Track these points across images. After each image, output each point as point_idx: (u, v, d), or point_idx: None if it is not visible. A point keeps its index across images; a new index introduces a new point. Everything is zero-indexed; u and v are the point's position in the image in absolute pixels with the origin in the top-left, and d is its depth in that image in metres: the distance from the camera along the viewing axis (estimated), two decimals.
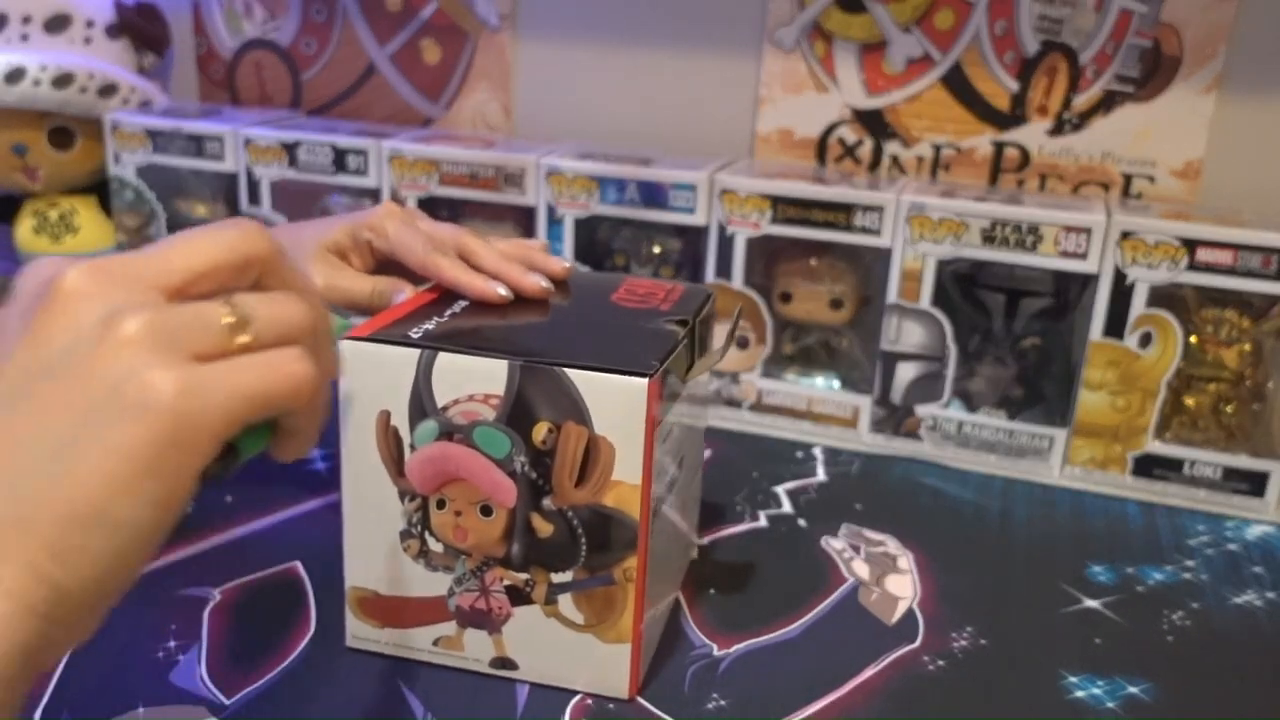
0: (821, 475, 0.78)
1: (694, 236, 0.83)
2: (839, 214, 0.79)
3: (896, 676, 0.56)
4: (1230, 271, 0.72)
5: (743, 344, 0.84)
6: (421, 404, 0.49)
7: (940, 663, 0.57)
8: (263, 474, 0.73)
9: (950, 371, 0.80)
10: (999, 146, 0.88)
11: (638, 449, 0.48)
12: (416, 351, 0.49)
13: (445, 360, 0.49)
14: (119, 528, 0.30)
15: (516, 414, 0.49)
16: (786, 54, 0.90)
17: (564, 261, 0.59)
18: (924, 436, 0.82)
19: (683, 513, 0.59)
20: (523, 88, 0.99)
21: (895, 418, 0.82)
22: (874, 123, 0.90)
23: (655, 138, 0.95)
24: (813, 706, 0.53)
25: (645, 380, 0.47)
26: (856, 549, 0.68)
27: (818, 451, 0.82)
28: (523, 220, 0.87)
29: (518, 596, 0.52)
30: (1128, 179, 0.86)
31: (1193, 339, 0.76)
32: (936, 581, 0.65)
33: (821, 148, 0.92)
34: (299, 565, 0.62)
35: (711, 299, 0.59)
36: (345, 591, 0.54)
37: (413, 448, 0.50)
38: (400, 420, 0.50)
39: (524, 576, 0.52)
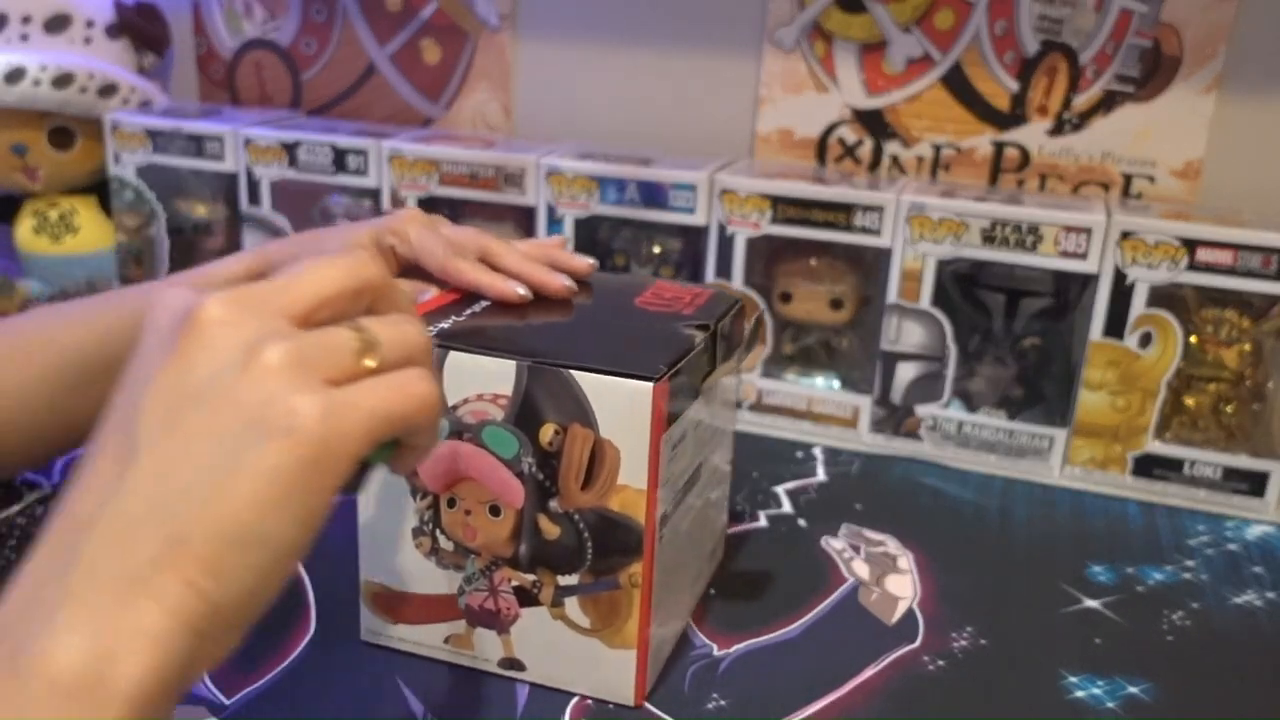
0: (821, 475, 0.78)
1: (694, 236, 0.83)
2: (839, 214, 0.79)
3: (896, 676, 0.56)
4: (1230, 271, 0.72)
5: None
6: None
7: (940, 663, 0.57)
8: None
9: (950, 371, 0.80)
10: (999, 146, 0.88)
11: (644, 454, 0.48)
12: None
13: (455, 359, 0.49)
14: (267, 546, 0.31)
15: (525, 414, 0.49)
16: (786, 54, 0.90)
17: (586, 259, 0.59)
18: (924, 436, 0.82)
19: (702, 520, 0.59)
20: (523, 88, 0.99)
21: (895, 418, 0.82)
22: (874, 123, 0.90)
23: (655, 138, 0.95)
24: (813, 706, 0.53)
25: (650, 384, 0.47)
26: (856, 549, 0.68)
27: (818, 451, 0.82)
28: (523, 220, 0.87)
29: (525, 598, 0.52)
30: (1128, 179, 0.86)
31: (1193, 339, 0.76)
32: (936, 581, 0.65)
33: (821, 148, 0.92)
34: (299, 565, 0.62)
35: (738, 305, 0.58)
36: (359, 585, 0.54)
37: None
38: None
39: (531, 578, 0.52)
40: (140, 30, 1.00)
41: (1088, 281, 0.75)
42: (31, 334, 0.61)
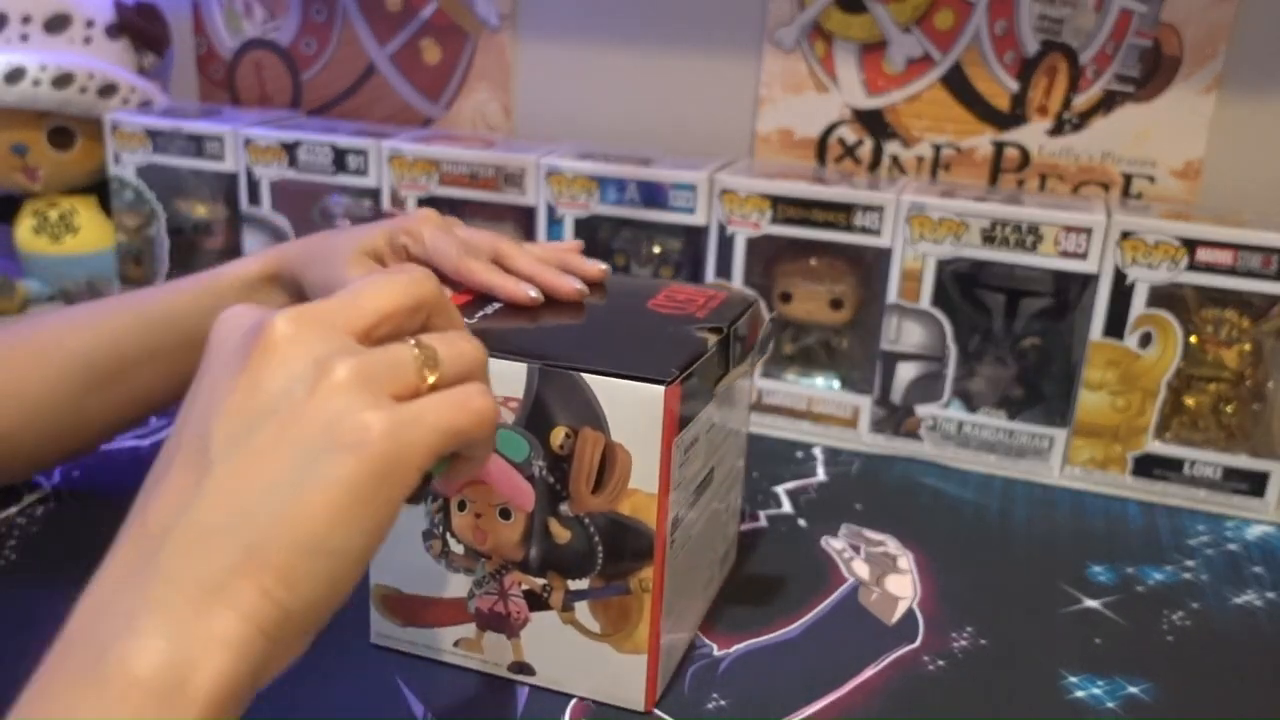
0: (821, 475, 0.78)
1: (694, 236, 0.83)
2: (839, 214, 0.79)
3: (896, 676, 0.56)
4: (1230, 271, 0.72)
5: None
6: None
7: (940, 663, 0.57)
8: None
9: (950, 371, 0.80)
10: (999, 146, 0.88)
11: (655, 457, 0.48)
12: None
13: None
14: (338, 555, 0.33)
15: (535, 417, 0.48)
16: (786, 54, 0.90)
17: (599, 264, 0.59)
18: (924, 436, 0.82)
19: (714, 524, 0.58)
20: (523, 88, 0.99)
21: (895, 418, 0.82)
22: (874, 123, 0.90)
23: (655, 138, 0.95)
24: (813, 706, 0.53)
25: (662, 388, 0.47)
26: (856, 549, 0.68)
27: (818, 451, 0.82)
28: (523, 220, 0.87)
29: (535, 602, 0.52)
30: (1128, 179, 0.86)
31: (1193, 339, 0.76)
32: (936, 581, 0.65)
33: (821, 148, 0.92)
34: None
35: (754, 306, 0.58)
36: (369, 588, 0.54)
37: None
38: None
39: (541, 582, 0.51)
40: (140, 30, 1.00)
41: (1088, 281, 0.75)
42: (41, 339, 0.61)
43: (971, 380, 0.82)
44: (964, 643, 0.59)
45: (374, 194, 0.90)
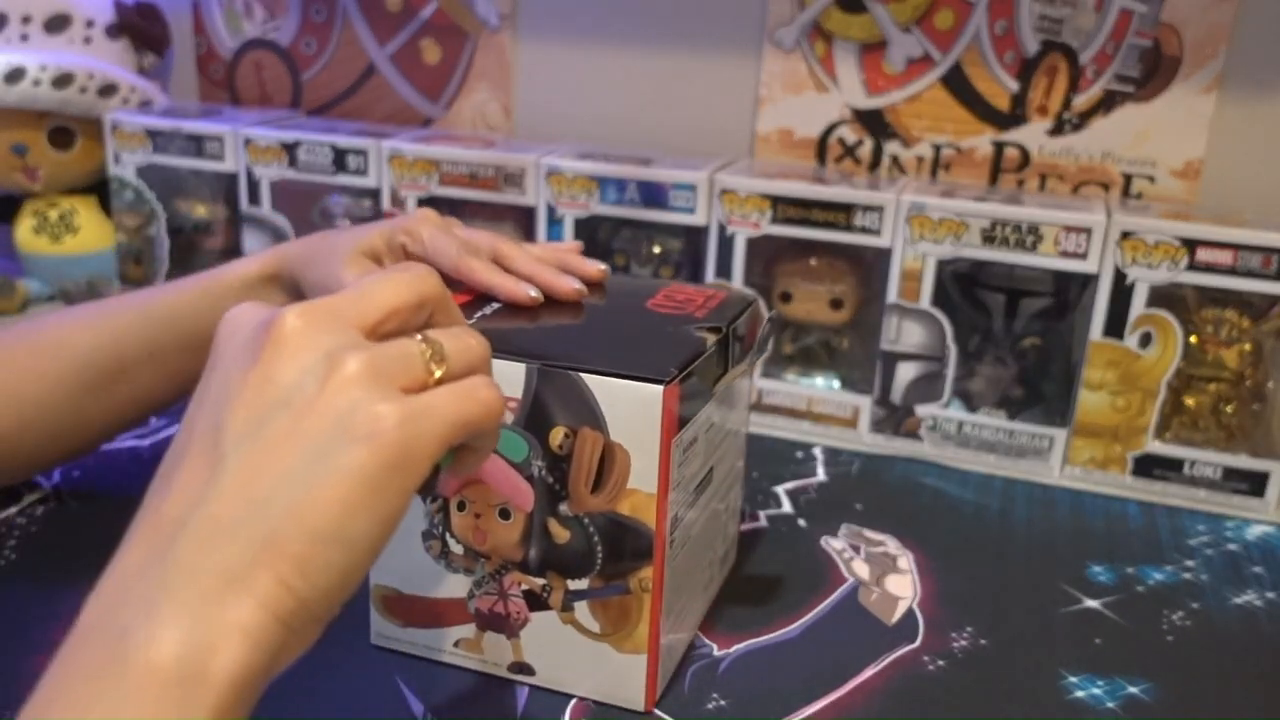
0: (821, 475, 0.78)
1: (694, 236, 0.83)
2: (839, 214, 0.79)
3: (896, 676, 0.56)
4: (1230, 271, 0.72)
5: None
6: None
7: (940, 663, 0.57)
8: None
9: (950, 371, 0.80)
10: (999, 146, 0.88)
11: (654, 457, 0.48)
12: None
13: None
14: (352, 544, 0.33)
15: (534, 417, 0.48)
16: (786, 54, 0.90)
17: (599, 264, 0.59)
18: (924, 436, 0.82)
19: (714, 524, 0.58)
20: (523, 88, 0.99)
21: (895, 418, 0.82)
22: (874, 123, 0.90)
23: (655, 138, 0.95)
24: (813, 706, 0.53)
25: (660, 387, 0.47)
26: (856, 549, 0.68)
27: (818, 451, 0.82)
28: (523, 220, 0.87)
29: (535, 602, 0.52)
30: (1128, 179, 0.86)
31: (1193, 339, 0.76)
32: (936, 581, 0.65)
33: (821, 148, 0.92)
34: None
35: (753, 306, 0.58)
36: (369, 589, 0.54)
37: None
38: None
39: (541, 582, 0.51)
40: (140, 30, 1.00)
41: (1088, 281, 0.75)
42: (42, 339, 0.62)
43: (971, 380, 0.82)
44: (964, 643, 0.59)
45: (374, 194, 0.90)
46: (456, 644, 0.54)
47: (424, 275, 0.39)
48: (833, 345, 0.86)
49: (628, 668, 0.51)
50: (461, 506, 0.51)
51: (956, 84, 0.87)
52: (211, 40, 1.08)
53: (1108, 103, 0.85)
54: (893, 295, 0.79)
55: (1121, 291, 0.74)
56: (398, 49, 1.02)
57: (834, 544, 0.68)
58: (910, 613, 0.61)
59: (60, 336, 0.62)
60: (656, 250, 0.86)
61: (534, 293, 0.55)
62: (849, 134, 0.91)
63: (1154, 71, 0.83)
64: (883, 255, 0.79)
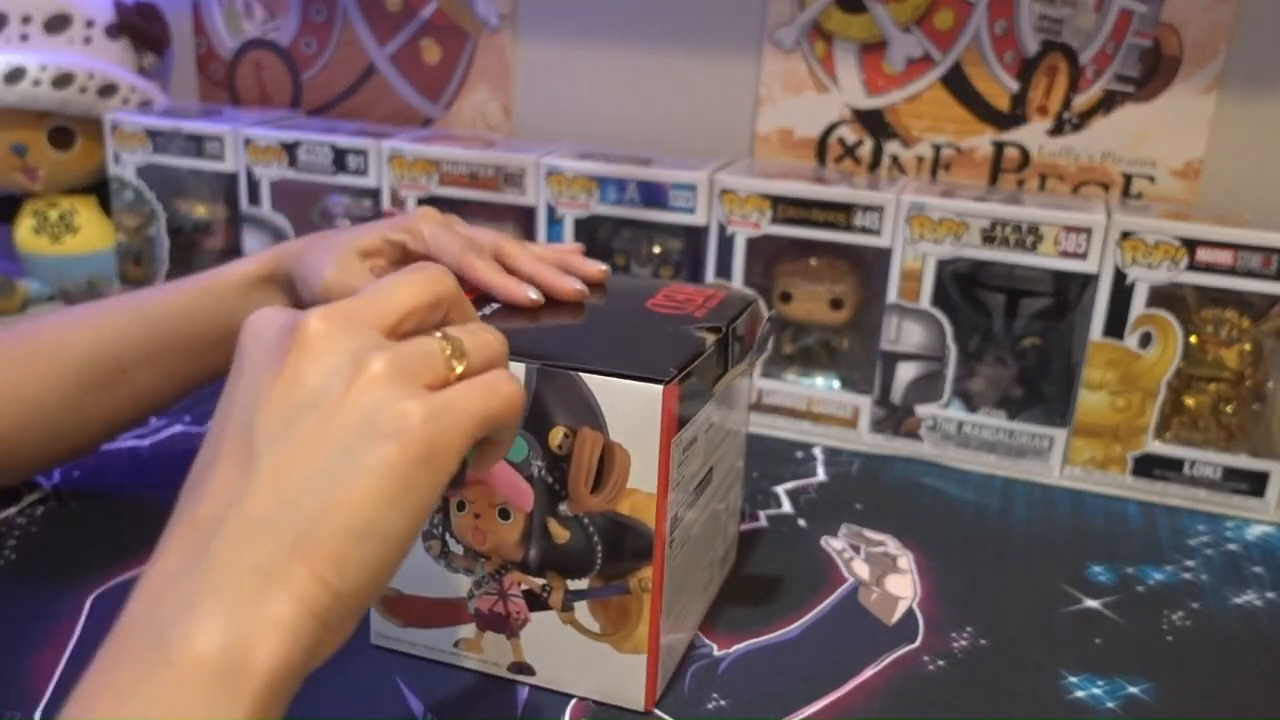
0: (821, 475, 0.78)
1: (694, 236, 0.83)
2: (839, 214, 0.79)
3: (896, 676, 0.56)
4: (1230, 271, 0.72)
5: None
6: None
7: (940, 663, 0.57)
8: None
9: (950, 371, 0.80)
10: (999, 146, 0.88)
11: (654, 457, 0.48)
12: None
13: None
14: (384, 538, 0.34)
15: (534, 417, 0.48)
16: (786, 54, 0.90)
17: (600, 265, 0.59)
18: (924, 436, 0.82)
19: (714, 524, 0.58)
20: (523, 88, 0.99)
21: (895, 418, 0.82)
22: (874, 123, 0.90)
23: (655, 138, 0.95)
24: (813, 706, 0.53)
25: (660, 387, 0.47)
26: (856, 549, 0.68)
27: (818, 451, 0.82)
28: (523, 220, 0.87)
29: (535, 602, 0.52)
30: (1128, 179, 0.86)
31: (1193, 339, 0.76)
32: (936, 581, 0.65)
33: (821, 148, 0.92)
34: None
35: (753, 305, 0.58)
36: None
37: None
38: None
39: (541, 582, 0.51)
40: (140, 30, 1.00)
41: (1088, 281, 0.75)
42: (41, 339, 0.62)
43: (971, 380, 0.82)
44: (964, 643, 0.59)
45: (374, 194, 0.90)
46: (456, 644, 0.54)
47: (438, 275, 0.40)
48: (833, 345, 0.86)
49: (628, 668, 0.51)
50: (461, 506, 0.51)
51: (956, 84, 0.87)
52: (211, 40, 1.08)
53: (1108, 103, 0.85)
54: (893, 295, 0.79)
55: (1121, 291, 0.74)
56: (398, 49, 1.02)
57: (834, 544, 0.68)
58: (910, 613, 0.61)
59: (59, 337, 0.62)
60: (656, 250, 0.86)
61: (534, 294, 0.55)
62: (849, 134, 0.91)
63: (1154, 71, 0.83)
64: (883, 255, 0.79)
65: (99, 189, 1.01)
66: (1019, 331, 0.80)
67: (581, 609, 0.51)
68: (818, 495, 0.75)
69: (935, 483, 0.78)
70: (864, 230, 0.79)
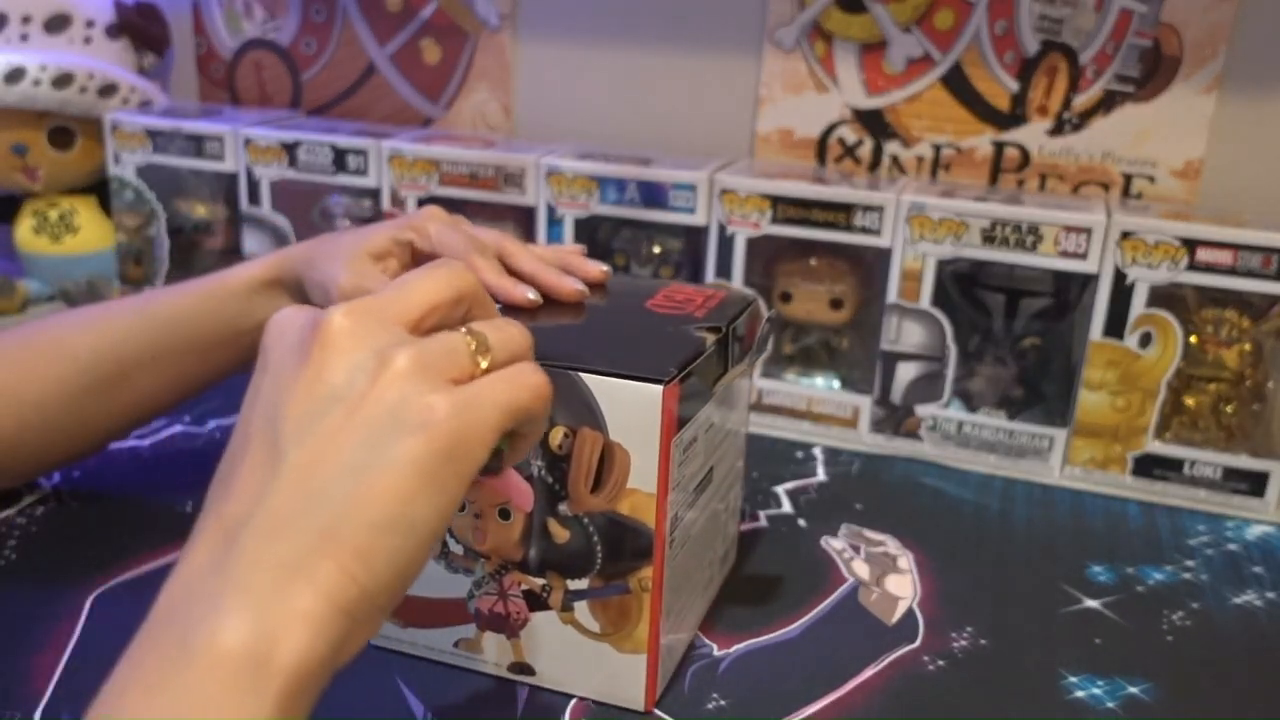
0: (821, 475, 0.78)
1: (694, 236, 0.83)
2: (839, 214, 0.79)
3: (896, 676, 0.56)
4: (1230, 271, 0.72)
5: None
6: None
7: (940, 663, 0.57)
8: None
9: (950, 371, 0.80)
10: (999, 146, 0.88)
11: (654, 457, 0.48)
12: None
13: None
14: (410, 532, 0.34)
15: None
16: (786, 54, 0.90)
17: (601, 266, 0.59)
18: (924, 436, 0.82)
19: (714, 524, 0.58)
20: (523, 88, 0.99)
21: (895, 418, 0.82)
22: (874, 123, 0.90)
23: (655, 138, 0.95)
24: (813, 706, 0.53)
25: (660, 387, 0.47)
26: (856, 549, 0.68)
27: (818, 451, 0.82)
28: (523, 220, 0.87)
29: (535, 602, 0.52)
30: (1128, 179, 0.86)
31: (1193, 339, 0.76)
32: (936, 581, 0.65)
33: (821, 148, 0.92)
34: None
35: (752, 305, 0.58)
36: None
37: None
38: None
39: (541, 582, 0.51)
40: (140, 30, 1.00)
41: (1088, 281, 0.75)
42: (44, 341, 0.62)
43: (971, 380, 0.82)
44: (964, 643, 0.59)
45: (374, 194, 0.90)
46: (456, 644, 0.54)
47: (460, 270, 0.40)
48: (833, 345, 0.86)
49: (628, 667, 0.51)
50: (461, 506, 0.51)
51: (956, 84, 0.87)
52: (211, 40, 1.08)
53: (1108, 103, 0.85)
54: (893, 295, 0.79)
55: (1121, 291, 0.74)
56: (398, 49, 1.02)
57: (834, 544, 0.68)
58: (910, 613, 0.61)
59: (61, 338, 0.62)
60: (656, 250, 0.86)
61: (532, 295, 0.55)
62: (849, 134, 0.91)
63: (1154, 71, 0.83)
64: (883, 255, 0.79)
65: (99, 189, 1.01)
66: (1019, 331, 0.80)
67: (581, 609, 0.51)
68: (818, 495, 0.75)
69: (935, 483, 0.78)
70: (864, 230, 0.79)
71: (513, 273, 0.57)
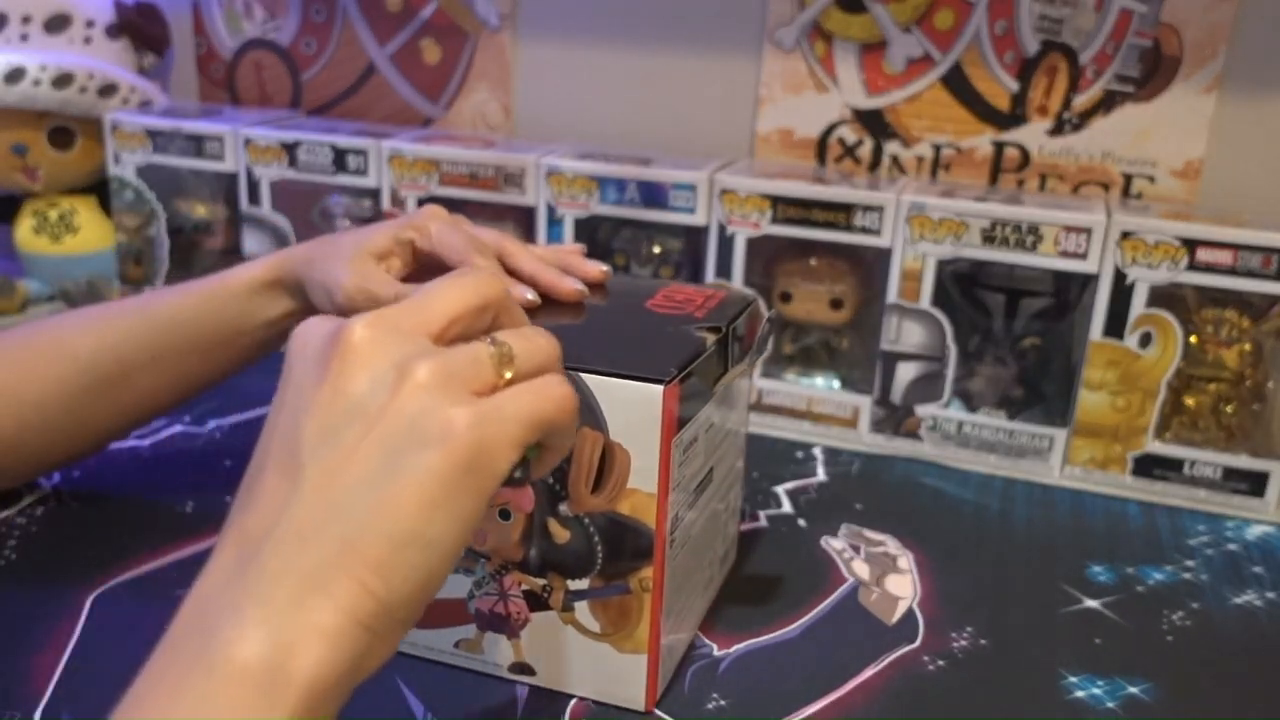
0: (821, 475, 0.78)
1: (694, 236, 0.83)
2: (839, 214, 0.79)
3: (896, 676, 0.56)
4: (1230, 271, 0.72)
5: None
6: None
7: (940, 663, 0.57)
8: None
9: (950, 371, 0.80)
10: (999, 146, 0.88)
11: (654, 457, 0.48)
12: None
13: None
14: (430, 545, 0.34)
15: None
16: (786, 54, 0.90)
17: (601, 265, 0.59)
18: (924, 436, 0.82)
19: (714, 524, 0.58)
20: (523, 88, 0.99)
21: (895, 418, 0.82)
22: (874, 123, 0.90)
23: (655, 138, 0.95)
24: (813, 706, 0.53)
25: (660, 387, 0.47)
26: (856, 549, 0.68)
27: (818, 451, 0.82)
28: (523, 220, 0.87)
29: (535, 602, 0.52)
30: (1128, 179, 0.86)
31: (1193, 339, 0.76)
32: (936, 581, 0.65)
33: (821, 148, 0.92)
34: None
35: (752, 305, 0.58)
36: None
37: None
38: None
39: (541, 582, 0.51)
40: (140, 30, 1.00)
41: (1088, 281, 0.75)
42: (45, 342, 0.62)
43: (971, 380, 0.82)
44: (964, 643, 0.59)
45: (374, 194, 0.90)
46: (456, 644, 0.54)
47: (485, 278, 0.40)
48: (833, 345, 0.86)
49: (628, 668, 0.51)
50: None
51: (956, 84, 0.87)
52: (211, 40, 1.08)
53: (1108, 103, 0.85)
54: (893, 295, 0.79)
55: (1121, 291, 0.74)
56: (398, 49, 1.02)
57: (834, 544, 0.68)
58: (910, 613, 0.61)
59: (61, 339, 0.62)
60: (656, 250, 0.86)
61: (530, 295, 0.55)
62: (849, 134, 0.91)
63: (1154, 71, 0.83)
64: (883, 255, 0.79)
65: (99, 189, 1.01)
66: (1019, 331, 0.80)
67: (582, 609, 0.51)
68: (818, 495, 0.75)
69: (935, 483, 0.78)
70: (864, 230, 0.79)
71: (512, 272, 0.57)
